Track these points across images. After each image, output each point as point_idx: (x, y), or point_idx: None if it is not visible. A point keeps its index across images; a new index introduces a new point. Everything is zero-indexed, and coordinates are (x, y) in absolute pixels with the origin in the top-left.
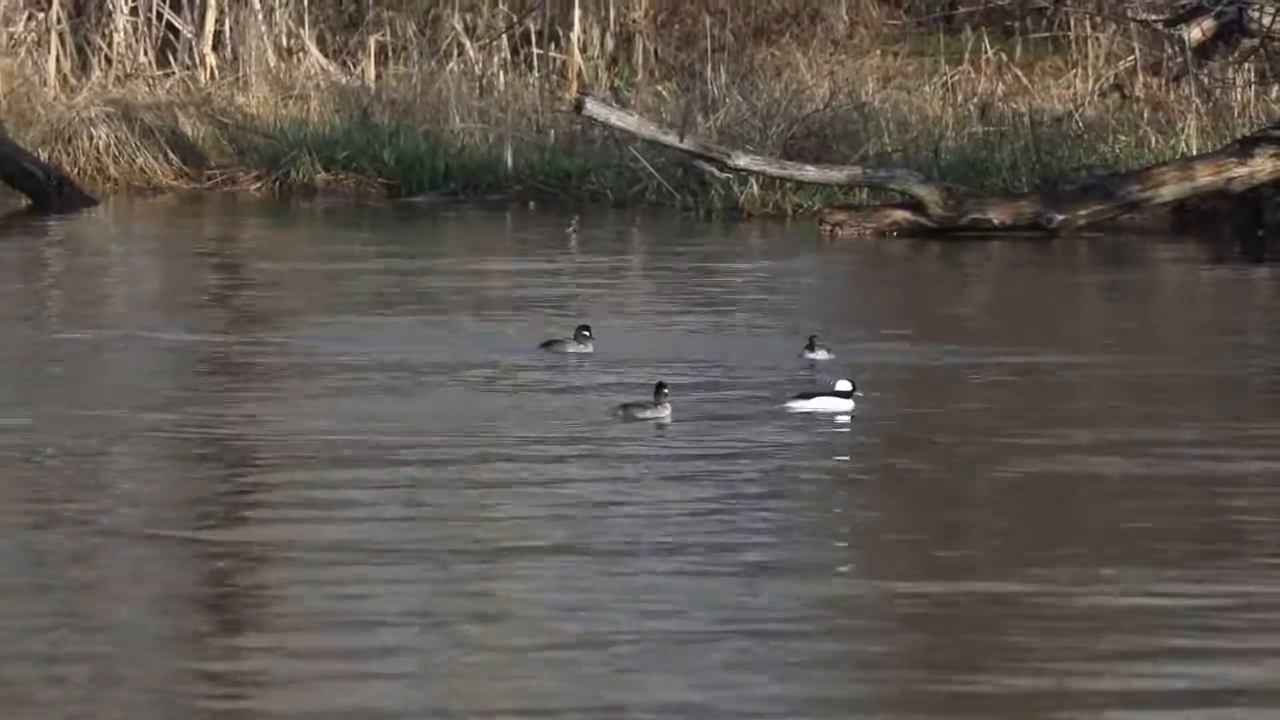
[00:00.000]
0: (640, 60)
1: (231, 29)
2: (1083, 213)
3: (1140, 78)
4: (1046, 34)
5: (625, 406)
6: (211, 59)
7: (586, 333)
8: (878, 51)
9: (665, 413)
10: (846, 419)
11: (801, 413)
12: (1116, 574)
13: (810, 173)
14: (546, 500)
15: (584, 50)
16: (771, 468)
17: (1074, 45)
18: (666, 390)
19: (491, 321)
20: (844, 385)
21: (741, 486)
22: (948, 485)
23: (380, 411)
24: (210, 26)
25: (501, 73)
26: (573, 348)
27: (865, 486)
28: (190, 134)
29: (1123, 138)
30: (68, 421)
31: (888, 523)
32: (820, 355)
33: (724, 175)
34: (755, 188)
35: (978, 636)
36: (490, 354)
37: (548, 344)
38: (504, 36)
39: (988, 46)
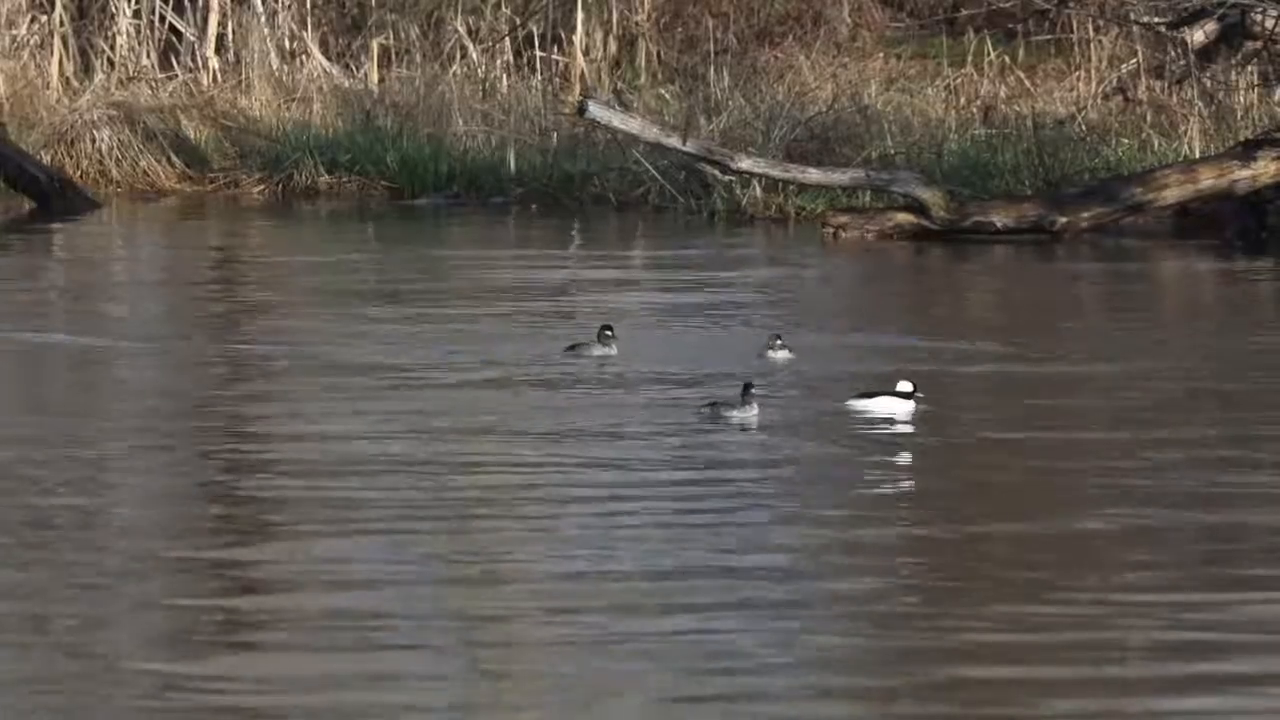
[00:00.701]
0: (643, 63)
1: (234, 32)
2: (1085, 215)
3: (1143, 80)
4: (1049, 37)
5: (712, 405)
6: (214, 62)
7: (609, 333)
8: (880, 54)
9: (753, 413)
10: (907, 420)
11: (861, 412)
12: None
13: (813, 175)
14: (607, 515)
15: (587, 53)
16: (834, 475)
17: (1076, 48)
18: (754, 390)
19: (510, 325)
20: (905, 386)
21: (803, 500)
22: (1008, 496)
23: (419, 421)
24: (213, 29)
25: (504, 76)
26: (598, 350)
27: (924, 500)
28: (193, 137)
29: (1125, 140)
30: (73, 430)
31: (951, 540)
32: (782, 355)
33: (727, 178)
34: (758, 190)
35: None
36: (518, 359)
37: (573, 347)
38: (507, 39)
39: (990, 49)
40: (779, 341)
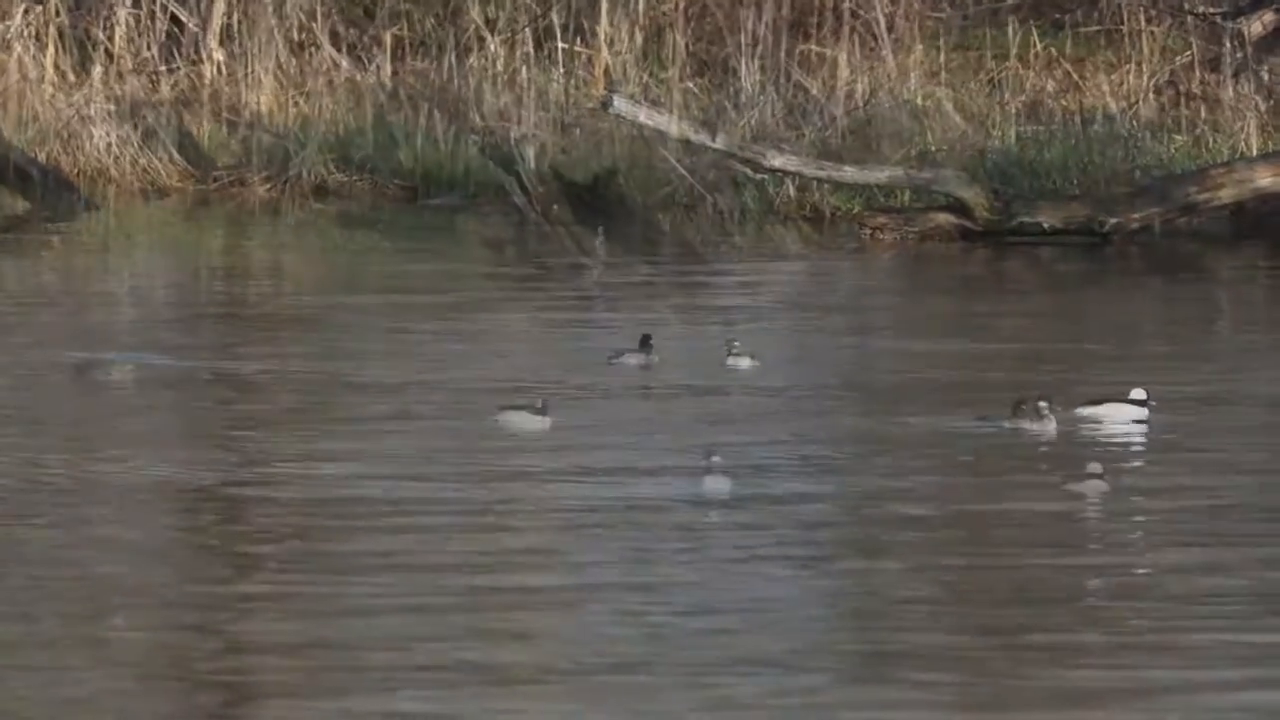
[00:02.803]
0: (671, 55)
1: (239, 22)
2: (1136, 216)
3: (1198, 74)
4: (1099, 28)
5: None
6: (219, 54)
7: (650, 341)
8: (920, 46)
9: (1051, 427)
10: (1141, 434)
11: (1090, 419)
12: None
13: (849, 173)
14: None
15: (611, 45)
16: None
17: (1128, 39)
18: (1046, 404)
19: (543, 334)
20: (1139, 394)
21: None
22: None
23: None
24: (217, 20)
25: (524, 68)
26: (640, 359)
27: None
28: (196, 133)
29: (1179, 137)
30: (70, 452)
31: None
32: (744, 362)
33: (758, 176)
34: (791, 189)
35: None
36: (568, 370)
37: (618, 355)
38: (527, 30)
39: (1036, 41)
40: (737, 346)
